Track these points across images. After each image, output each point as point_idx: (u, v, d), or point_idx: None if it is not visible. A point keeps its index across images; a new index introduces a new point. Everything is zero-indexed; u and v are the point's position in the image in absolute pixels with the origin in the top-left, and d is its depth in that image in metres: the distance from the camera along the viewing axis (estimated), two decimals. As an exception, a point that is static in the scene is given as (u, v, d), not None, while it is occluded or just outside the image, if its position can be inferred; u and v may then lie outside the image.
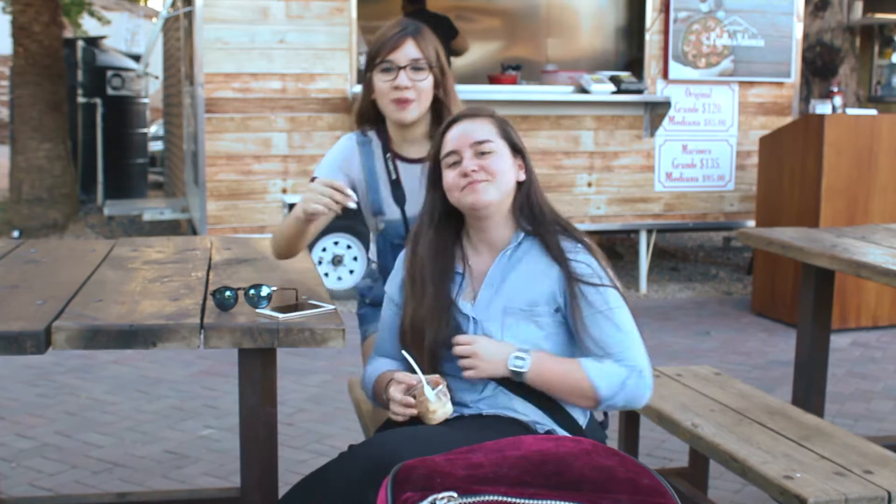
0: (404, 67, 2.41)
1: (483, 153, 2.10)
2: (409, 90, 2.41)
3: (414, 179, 2.46)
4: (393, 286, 2.25)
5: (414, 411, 1.99)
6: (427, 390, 1.97)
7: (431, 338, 2.09)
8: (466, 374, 2.04)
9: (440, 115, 2.45)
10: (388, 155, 2.52)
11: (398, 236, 2.51)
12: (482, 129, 2.13)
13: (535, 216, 2.14)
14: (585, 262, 2.09)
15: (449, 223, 2.17)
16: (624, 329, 2.07)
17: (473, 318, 2.10)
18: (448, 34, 7.19)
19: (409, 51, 2.43)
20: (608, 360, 2.06)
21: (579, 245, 2.11)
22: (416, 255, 2.16)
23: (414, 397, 2.00)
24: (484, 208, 2.09)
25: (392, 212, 2.52)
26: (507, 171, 2.11)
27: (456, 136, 2.13)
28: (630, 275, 7.09)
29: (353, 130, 2.60)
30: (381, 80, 2.43)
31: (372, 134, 2.55)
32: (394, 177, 2.51)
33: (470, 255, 2.17)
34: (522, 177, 2.16)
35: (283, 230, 2.44)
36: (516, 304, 2.08)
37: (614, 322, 2.06)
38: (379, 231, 2.55)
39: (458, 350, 2.05)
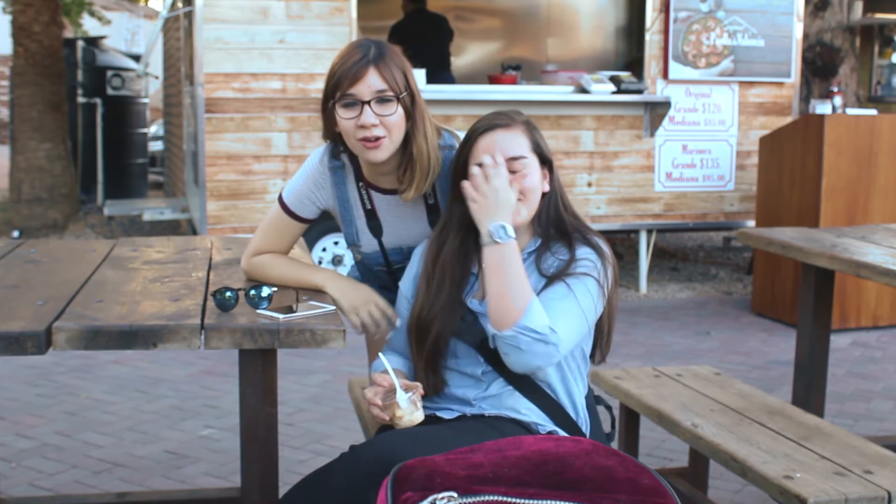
0: (368, 102, 2.13)
1: (515, 170, 2.08)
2: (377, 127, 2.13)
3: (390, 209, 2.34)
4: (406, 282, 2.25)
5: (383, 414, 1.99)
6: (399, 395, 1.98)
7: (436, 333, 2.10)
8: (468, 189, 2.04)
9: (407, 146, 2.21)
10: (361, 184, 2.32)
11: (377, 264, 2.42)
12: (517, 143, 2.10)
13: (555, 226, 2.14)
14: (586, 258, 2.08)
15: (472, 227, 2.14)
16: (577, 308, 2.03)
17: (481, 314, 2.10)
18: (448, 34, 7.20)
19: (372, 81, 2.13)
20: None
21: (590, 249, 2.10)
22: (440, 258, 2.14)
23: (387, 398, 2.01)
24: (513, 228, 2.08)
25: (368, 243, 2.38)
26: (536, 189, 2.11)
27: (489, 147, 2.09)
28: (630, 275, 7.09)
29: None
30: (344, 117, 2.15)
31: (345, 157, 2.32)
32: (368, 207, 2.34)
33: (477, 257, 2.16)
34: (547, 187, 2.15)
35: (282, 274, 2.30)
36: None
37: (574, 296, 2.03)
38: (357, 260, 2.46)
39: (486, 165, 2.03)
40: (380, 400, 2.00)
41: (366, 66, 2.13)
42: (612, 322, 2.19)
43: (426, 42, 6.94)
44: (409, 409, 1.98)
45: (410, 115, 2.19)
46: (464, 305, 2.13)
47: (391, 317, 2.23)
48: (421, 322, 2.13)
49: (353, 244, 2.40)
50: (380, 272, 2.44)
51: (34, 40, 8.64)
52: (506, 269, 2.00)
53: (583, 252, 2.11)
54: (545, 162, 2.14)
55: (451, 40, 7.25)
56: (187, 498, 3.00)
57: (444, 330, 2.10)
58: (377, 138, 2.14)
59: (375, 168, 2.27)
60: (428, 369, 2.13)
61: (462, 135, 2.23)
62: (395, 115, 2.15)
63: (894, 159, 5.77)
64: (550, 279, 2.07)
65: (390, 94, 2.14)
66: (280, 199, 2.37)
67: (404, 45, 2.30)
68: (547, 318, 1.98)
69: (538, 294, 2.05)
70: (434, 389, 2.14)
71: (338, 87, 2.15)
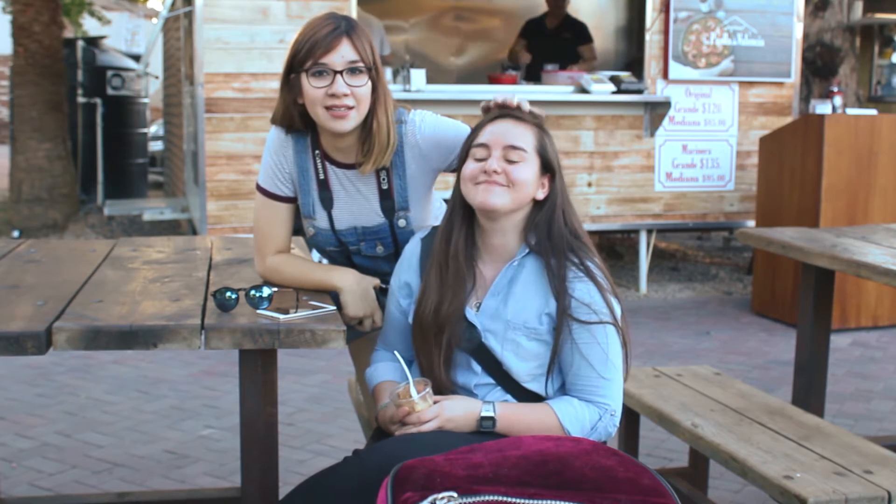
0: (341, 72, 2.15)
1: (511, 160, 2.06)
2: (347, 97, 2.15)
3: (343, 185, 2.31)
4: (402, 280, 2.21)
5: (408, 425, 2.01)
6: (414, 394, 1.99)
7: (448, 337, 2.08)
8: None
9: (367, 121, 2.22)
10: (317, 152, 2.31)
11: (330, 244, 2.39)
12: (521, 136, 2.09)
13: (546, 236, 2.09)
14: (585, 295, 2.03)
15: (473, 214, 2.13)
16: (609, 368, 2.04)
17: (476, 326, 2.08)
18: (586, 39, 7.27)
19: (345, 52, 2.15)
20: (580, 402, 2.04)
21: (582, 273, 2.04)
22: (453, 252, 2.11)
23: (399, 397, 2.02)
24: (491, 210, 2.06)
25: (321, 217, 2.35)
26: (527, 184, 2.07)
27: (493, 132, 2.09)
28: (630, 275, 7.09)
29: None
30: (312, 86, 2.16)
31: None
32: (322, 177, 2.31)
33: (475, 257, 2.15)
34: (542, 195, 2.11)
35: (298, 277, 2.29)
36: (519, 319, 2.06)
37: (599, 362, 2.03)
38: (309, 236, 2.42)
39: (426, 427, 1.98)
40: (393, 406, 2.01)
41: (340, 37, 2.15)
42: (628, 341, 2.14)
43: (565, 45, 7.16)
44: (427, 405, 2.00)
45: (375, 89, 2.21)
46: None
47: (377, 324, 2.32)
48: (438, 324, 2.08)
49: (308, 216, 2.37)
50: (333, 253, 2.41)
51: (34, 40, 8.64)
52: (518, 426, 2.00)
53: (576, 280, 2.04)
54: (548, 169, 2.12)
55: (589, 43, 7.28)
56: (187, 498, 3.00)
57: (455, 330, 2.07)
58: (346, 108, 2.16)
59: (335, 141, 2.26)
60: (441, 369, 2.10)
61: (415, 110, 2.31)
62: (365, 87, 2.18)
63: (894, 159, 5.77)
64: (560, 322, 2.02)
65: (362, 65, 2.17)
66: (257, 186, 2.37)
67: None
68: (589, 411, 2.03)
69: (559, 348, 2.04)
70: (444, 391, 2.11)
71: (309, 56, 2.15)
